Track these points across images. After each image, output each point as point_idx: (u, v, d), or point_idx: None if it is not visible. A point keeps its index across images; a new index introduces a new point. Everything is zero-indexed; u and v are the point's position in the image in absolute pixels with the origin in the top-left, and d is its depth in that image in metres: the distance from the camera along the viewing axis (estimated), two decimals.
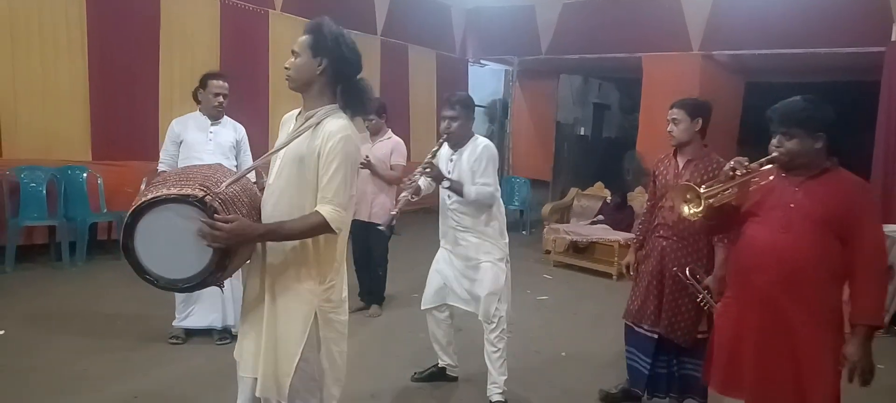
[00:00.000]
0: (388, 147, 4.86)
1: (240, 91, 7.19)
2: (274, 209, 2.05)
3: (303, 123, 2.05)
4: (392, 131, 4.98)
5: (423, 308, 3.63)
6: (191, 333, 4.11)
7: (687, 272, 3.08)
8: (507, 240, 3.45)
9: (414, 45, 9.88)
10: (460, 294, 3.45)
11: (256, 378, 2.09)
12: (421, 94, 10.11)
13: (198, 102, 4.10)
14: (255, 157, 4.16)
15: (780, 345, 2.23)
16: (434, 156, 3.23)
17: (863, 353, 2.15)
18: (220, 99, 3.98)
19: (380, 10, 9.28)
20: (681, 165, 3.20)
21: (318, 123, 2.02)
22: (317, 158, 1.98)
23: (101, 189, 6.08)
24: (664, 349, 3.27)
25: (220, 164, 2.89)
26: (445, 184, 3.28)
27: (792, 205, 2.24)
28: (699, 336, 3.14)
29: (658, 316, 3.19)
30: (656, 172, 3.36)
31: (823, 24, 7.23)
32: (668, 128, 3.21)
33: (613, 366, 3.98)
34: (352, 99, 2.09)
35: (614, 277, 6.73)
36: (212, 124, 4.03)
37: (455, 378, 3.78)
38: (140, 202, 1.90)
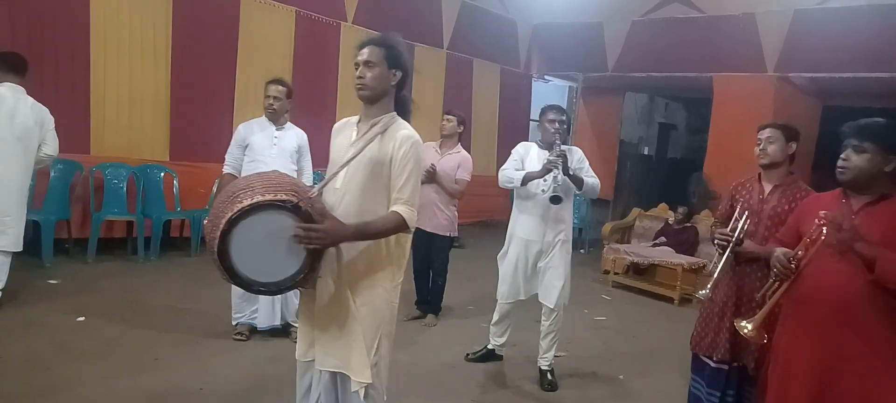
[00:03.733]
0: (456, 161, 4.91)
1: (309, 99, 7.48)
2: (346, 212, 2.14)
3: (368, 130, 2.18)
4: (461, 145, 5.05)
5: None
6: (254, 331, 4.25)
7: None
8: None
9: (479, 59, 9.96)
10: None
11: (337, 372, 2.22)
12: (484, 108, 10.17)
13: None
14: (316, 163, 4.30)
15: (836, 380, 2.13)
16: (558, 154, 3.64)
17: (853, 236, 2.05)
18: (270, 101, 4.09)
19: (447, 23, 9.41)
20: (766, 190, 3.01)
21: (385, 130, 2.15)
22: (389, 162, 2.13)
23: (177, 188, 6.40)
24: (731, 381, 3.14)
25: (283, 173, 2.97)
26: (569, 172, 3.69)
27: None
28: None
29: (733, 346, 2.99)
30: (736, 195, 3.20)
31: None
32: (761, 148, 3.02)
33: (671, 394, 3.87)
34: (403, 108, 2.26)
35: (676, 301, 6.54)
36: (276, 129, 4.18)
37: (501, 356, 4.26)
38: (235, 210, 1.94)
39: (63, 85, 5.69)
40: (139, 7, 6.15)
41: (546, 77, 11.21)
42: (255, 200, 1.95)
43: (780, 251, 2.31)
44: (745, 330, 2.34)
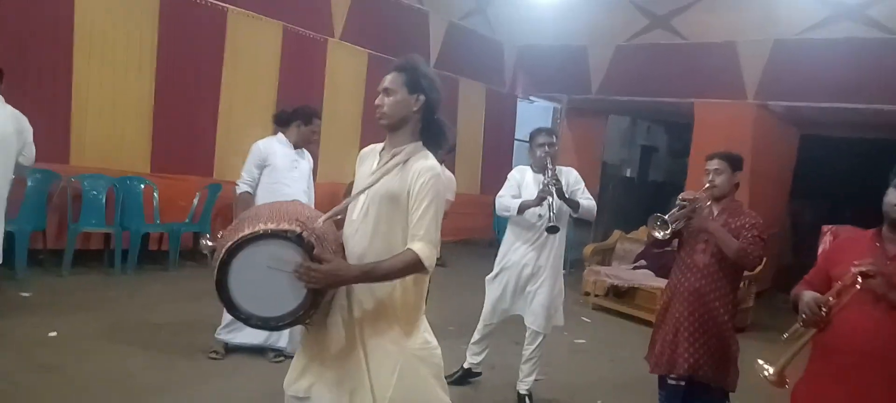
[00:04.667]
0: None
1: None
2: (360, 248, 2.02)
3: (389, 160, 2.04)
4: (444, 166, 5.05)
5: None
6: (231, 349, 4.17)
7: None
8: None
9: (465, 79, 10.03)
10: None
11: None
12: (469, 127, 10.21)
13: (283, 128, 4.20)
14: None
15: None
16: (551, 177, 3.64)
17: (889, 285, 2.00)
18: (316, 137, 4.20)
19: (434, 42, 9.46)
20: (715, 211, 3.23)
21: (406, 161, 2.02)
22: (407, 196, 1.98)
23: (156, 201, 6.32)
24: (688, 398, 3.20)
25: (299, 200, 2.93)
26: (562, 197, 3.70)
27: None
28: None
29: (691, 363, 3.12)
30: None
31: (885, 81, 7.02)
32: (709, 179, 3.21)
33: None
34: (434, 135, 2.10)
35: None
36: (295, 152, 4.18)
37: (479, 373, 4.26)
38: (235, 239, 1.86)
39: (44, 93, 5.61)
40: (125, 16, 6.11)
41: (531, 98, 11.30)
42: (256, 229, 1.87)
43: (809, 295, 2.22)
44: (766, 374, 2.21)
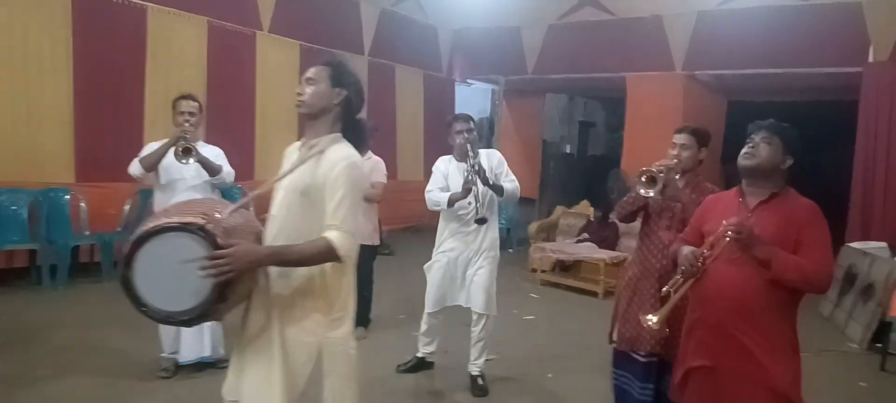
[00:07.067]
0: (369, 166, 4.86)
1: (226, 113, 7.22)
2: (275, 239, 2.03)
3: (305, 153, 2.05)
4: (372, 151, 4.99)
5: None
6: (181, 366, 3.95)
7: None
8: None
9: (401, 65, 9.95)
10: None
11: None
12: (408, 114, 10.16)
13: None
14: (239, 179, 4.14)
15: (742, 373, 2.25)
16: (474, 166, 3.65)
17: (752, 240, 2.17)
18: (185, 117, 3.85)
19: (367, 30, 9.34)
20: (680, 185, 3.13)
21: (322, 152, 2.01)
22: (322, 187, 1.97)
23: (84, 211, 6.03)
24: (656, 370, 3.22)
25: (214, 198, 2.86)
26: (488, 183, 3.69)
27: None
28: None
29: (658, 338, 3.03)
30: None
31: (803, 45, 7.38)
32: (674, 153, 3.14)
33: (599, 388, 3.97)
34: (355, 135, 2.13)
35: (600, 295, 6.75)
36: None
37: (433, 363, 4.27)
38: (139, 232, 1.85)
39: None
40: (35, 18, 5.76)
41: (468, 81, 11.33)
42: (159, 223, 1.85)
43: (688, 249, 2.41)
44: (650, 323, 2.43)
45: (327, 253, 1.93)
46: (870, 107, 6.97)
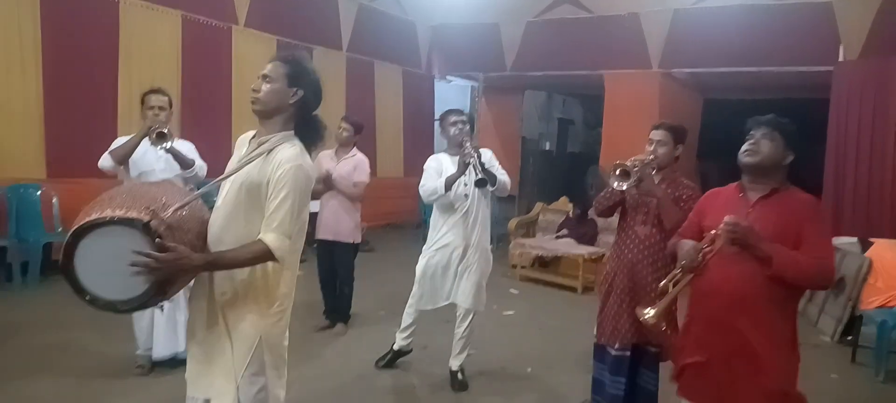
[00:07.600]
0: (352, 164, 4.85)
1: (201, 108, 7.13)
2: (220, 233, 2.02)
3: (255, 148, 2.04)
4: (357, 148, 4.97)
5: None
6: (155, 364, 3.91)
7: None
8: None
9: (380, 61, 9.90)
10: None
11: (207, 400, 2.07)
12: (387, 110, 10.12)
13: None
14: (213, 175, 4.06)
15: (740, 368, 2.24)
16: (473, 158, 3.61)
17: (749, 239, 2.17)
18: (155, 112, 3.81)
19: (345, 25, 9.27)
20: (657, 180, 3.17)
21: (271, 150, 2.00)
22: (266, 186, 1.97)
23: (57, 208, 5.90)
24: (628, 364, 3.28)
25: (171, 181, 2.86)
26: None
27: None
28: (653, 349, 3.19)
29: (633, 331, 3.14)
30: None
31: (776, 44, 7.50)
32: (651, 149, 3.17)
33: (578, 382, 4.01)
34: (310, 132, 2.11)
35: (579, 291, 6.79)
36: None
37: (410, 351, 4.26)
38: (82, 223, 1.84)
39: None
40: (1, 11, 5.61)
41: (448, 77, 11.32)
42: (104, 214, 1.84)
43: (689, 243, 2.38)
44: (646, 317, 2.39)
45: (263, 256, 1.95)
46: (840, 105, 7.10)
